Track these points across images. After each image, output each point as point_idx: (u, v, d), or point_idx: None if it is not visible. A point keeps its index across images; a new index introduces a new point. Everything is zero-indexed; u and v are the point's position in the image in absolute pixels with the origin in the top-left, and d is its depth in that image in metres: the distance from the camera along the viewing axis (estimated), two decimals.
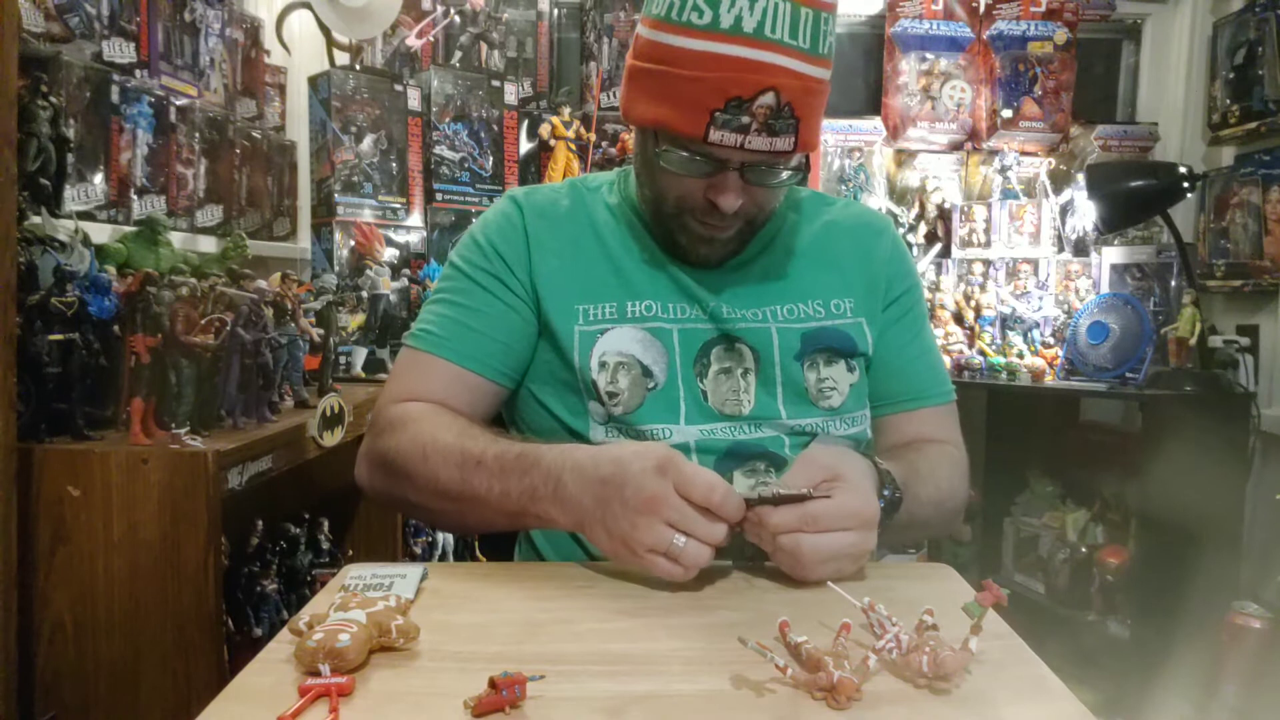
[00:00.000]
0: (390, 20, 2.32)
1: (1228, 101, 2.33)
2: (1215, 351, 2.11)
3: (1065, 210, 2.45)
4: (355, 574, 0.79)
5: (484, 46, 2.53)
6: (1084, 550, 2.19)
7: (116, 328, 1.20)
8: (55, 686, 1.11)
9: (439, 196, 2.36)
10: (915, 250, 2.53)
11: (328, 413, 1.39)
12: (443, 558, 1.96)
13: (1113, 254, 2.34)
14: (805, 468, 0.81)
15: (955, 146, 2.58)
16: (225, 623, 1.24)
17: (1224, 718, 1.76)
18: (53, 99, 1.27)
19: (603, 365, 0.97)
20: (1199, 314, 1.99)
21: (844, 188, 2.50)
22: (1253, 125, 2.23)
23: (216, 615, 1.14)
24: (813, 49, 0.85)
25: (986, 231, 2.44)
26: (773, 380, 0.99)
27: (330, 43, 2.34)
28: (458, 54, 2.51)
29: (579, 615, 0.73)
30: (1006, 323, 2.34)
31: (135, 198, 1.58)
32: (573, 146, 2.49)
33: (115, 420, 1.21)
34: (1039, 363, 2.20)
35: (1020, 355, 2.25)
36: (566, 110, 2.51)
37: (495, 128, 2.44)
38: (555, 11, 2.67)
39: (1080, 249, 2.43)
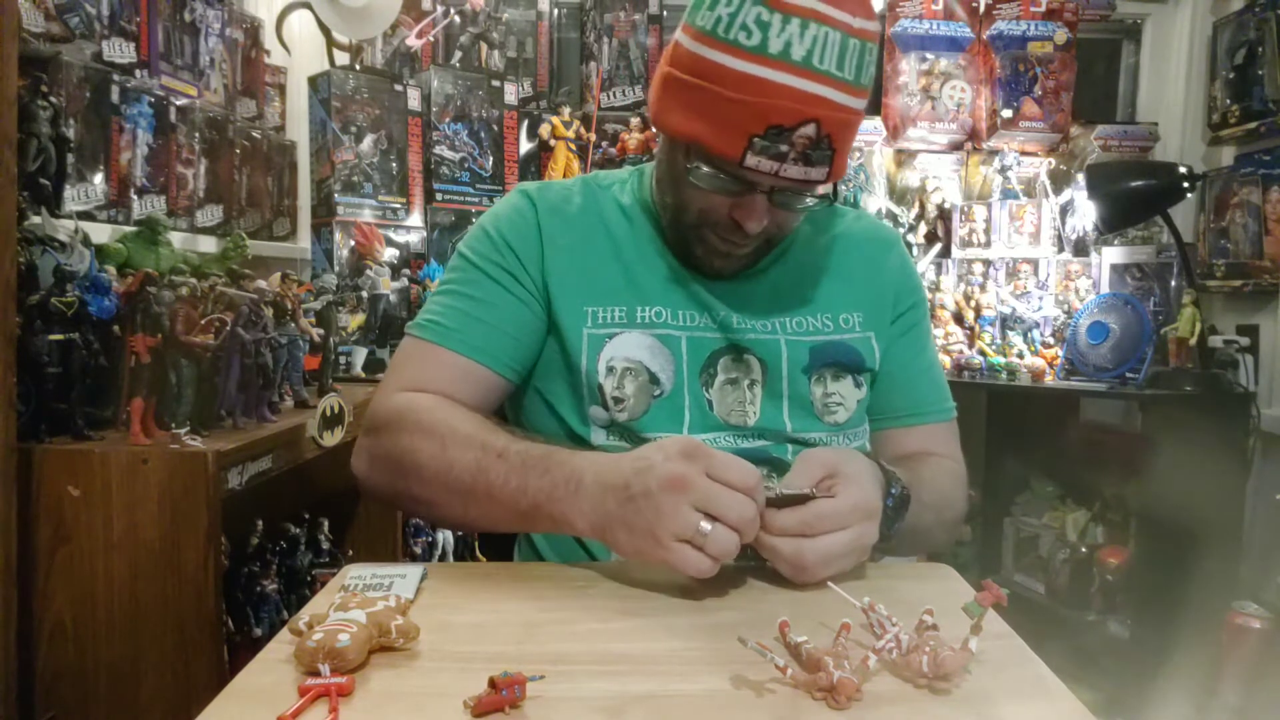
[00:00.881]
0: (390, 20, 2.32)
1: (1228, 101, 2.33)
2: (1215, 351, 2.11)
3: (1065, 210, 2.45)
4: (355, 574, 0.78)
5: (484, 46, 2.53)
6: (1084, 550, 2.19)
7: (116, 328, 1.20)
8: (55, 686, 1.11)
9: (439, 196, 2.36)
10: (915, 250, 2.53)
11: (328, 413, 1.39)
12: (443, 558, 1.96)
13: (1113, 254, 2.34)
14: (806, 466, 0.80)
15: (955, 146, 2.58)
16: (225, 623, 1.24)
17: (1224, 718, 1.76)
18: (53, 99, 1.27)
19: (610, 370, 0.96)
20: (1199, 314, 1.99)
21: (844, 188, 2.50)
22: (1253, 125, 2.24)
23: (216, 615, 1.14)
24: (855, 80, 0.84)
25: (986, 231, 2.44)
26: (779, 393, 0.99)
27: (330, 43, 2.34)
28: (458, 54, 2.51)
29: (579, 615, 0.73)
30: (1006, 323, 2.34)
31: (135, 198, 1.58)
32: (573, 146, 2.49)
33: (115, 420, 1.21)
34: (1039, 363, 2.20)
35: (1020, 355, 2.25)
36: (566, 110, 2.51)
37: (495, 128, 2.44)
38: (555, 11, 2.67)
39: (1080, 249, 2.43)
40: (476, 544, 1.97)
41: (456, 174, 2.39)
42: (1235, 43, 2.30)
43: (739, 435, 0.98)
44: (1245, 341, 2.16)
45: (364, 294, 1.93)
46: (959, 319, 2.41)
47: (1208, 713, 1.79)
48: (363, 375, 1.89)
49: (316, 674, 0.59)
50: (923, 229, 2.54)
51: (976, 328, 2.37)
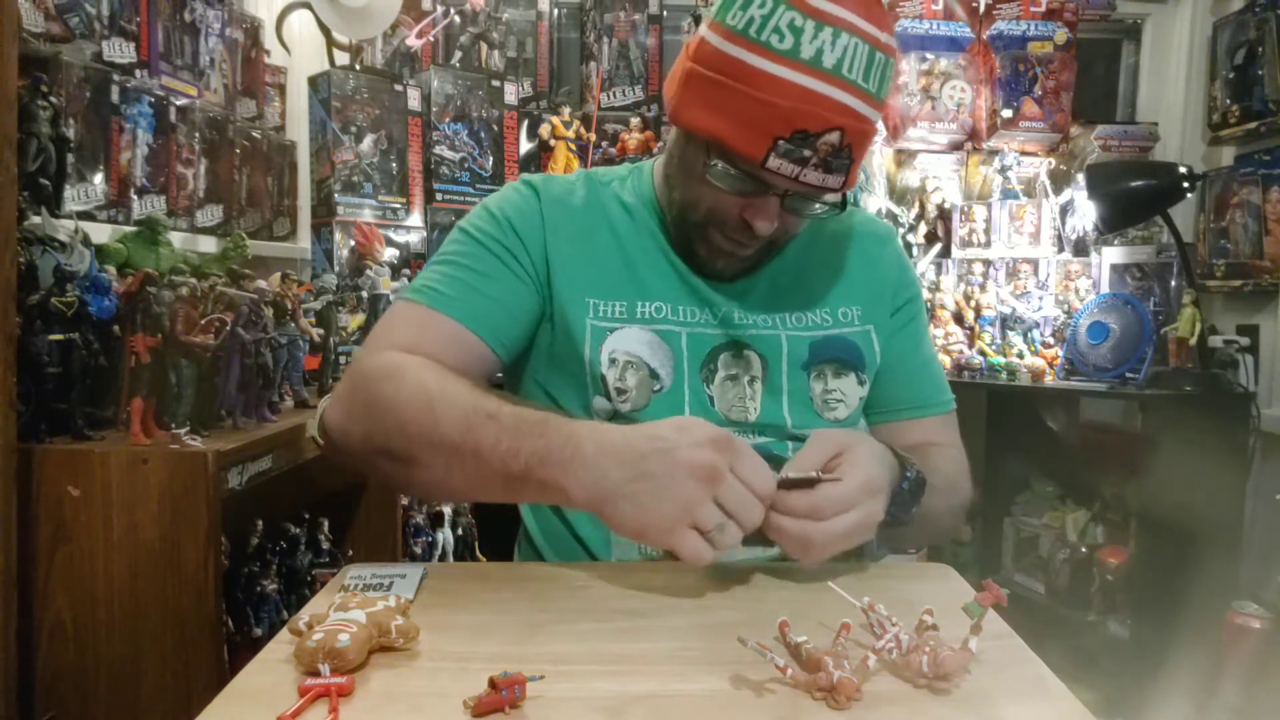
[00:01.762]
0: (390, 20, 2.32)
1: (1228, 101, 2.33)
2: (1215, 351, 2.11)
3: (1065, 210, 2.45)
4: (355, 574, 0.79)
5: (484, 46, 2.53)
6: (1084, 550, 2.19)
7: (116, 328, 1.20)
8: (55, 686, 1.11)
9: (439, 196, 2.36)
10: (915, 250, 2.53)
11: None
12: (443, 558, 1.96)
13: (1113, 254, 2.34)
14: (817, 445, 0.79)
15: (955, 146, 2.58)
16: (225, 623, 1.24)
17: (1224, 718, 1.76)
18: (53, 99, 1.27)
19: (612, 362, 0.96)
20: (1199, 314, 1.99)
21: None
22: (1253, 125, 2.23)
23: (216, 615, 1.14)
24: (878, 93, 0.85)
25: (986, 231, 2.44)
26: (779, 389, 0.99)
27: (330, 43, 2.34)
28: (458, 54, 2.51)
29: (579, 615, 0.73)
30: (1006, 323, 2.34)
31: (135, 198, 1.58)
32: (573, 146, 2.49)
33: (115, 420, 1.21)
34: (1039, 363, 2.20)
35: (1020, 355, 2.25)
36: (566, 110, 2.51)
37: (495, 128, 2.44)
38: (555, 11, 2.67)
39: (1080, 249, 2.42)
40: (476, 544, 1.98)
41: (456, 174, 2.39)
42: (1235, 43, 2.30)
43: (740, 431, 0.98)
44: (1245, 341, 2.15)
45: (364, 294, 1.93)
46: (959, 319, 2.41)
47: (1208, 713, 1.79)
48: None
49: (316, 674, 0.59)
50: (923, 229, 2.54)
51: (976, 328, 2.37)
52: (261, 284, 1.34)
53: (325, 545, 1.55)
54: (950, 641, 0.62)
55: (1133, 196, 2.08)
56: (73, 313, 1.14)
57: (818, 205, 0.92)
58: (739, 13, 0.85)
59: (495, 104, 2.44)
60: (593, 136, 2.50)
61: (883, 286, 1.06)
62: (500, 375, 1.05)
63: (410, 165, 2.29)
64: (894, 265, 1.08)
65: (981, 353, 2.30)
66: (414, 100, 2.30)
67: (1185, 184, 2.02)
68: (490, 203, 1.03)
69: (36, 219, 1.23)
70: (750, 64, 0.83)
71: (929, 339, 1.12)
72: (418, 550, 1.93)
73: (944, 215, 2.52)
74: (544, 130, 2.50)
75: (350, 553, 1.71)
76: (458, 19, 2.51)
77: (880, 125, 2.53)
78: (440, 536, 1.98)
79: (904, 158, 2.58)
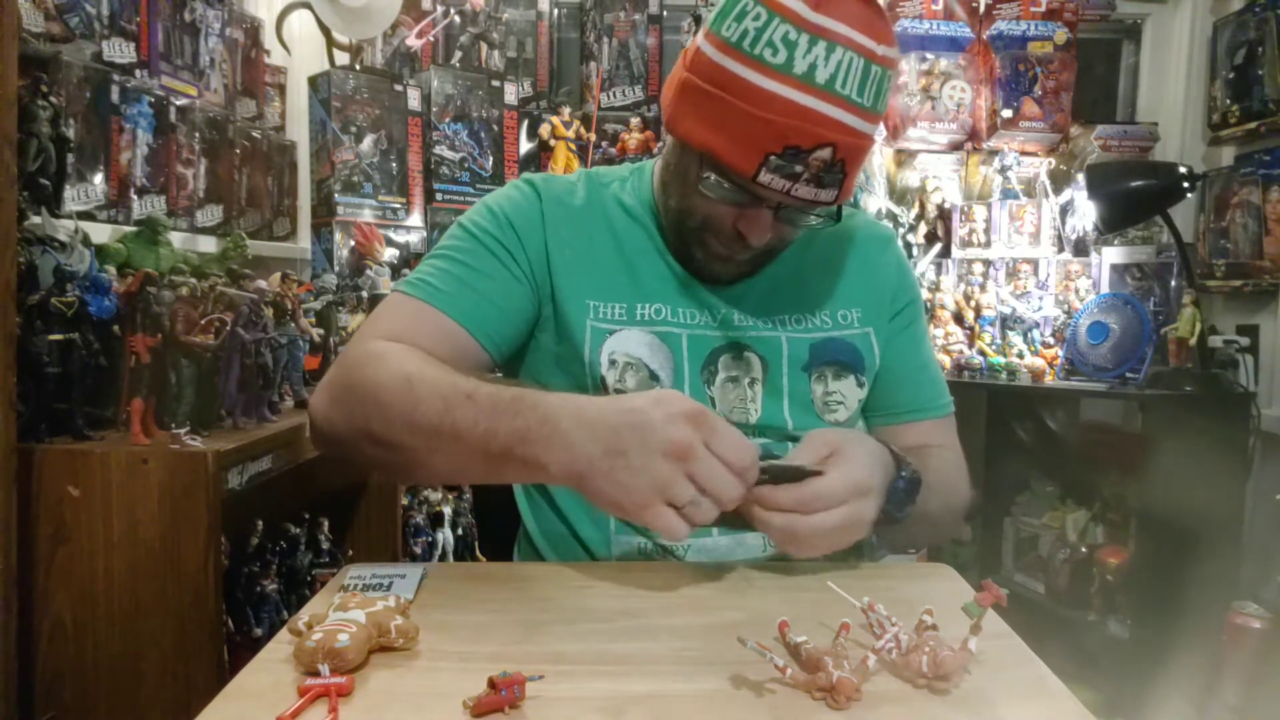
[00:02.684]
0: (390, 20, 2.32)
1: (1228, 101, 2.33)
2: (1215, 351, 2.11)
3: (1065, 210, 2.45)
4: (355, 574, 0.79)
5: (484, 46, 2.53)
6: (1084, 550, 2.19)
7: (116, 328, 1.20)
8: (55, 686, 1.11)
9: (439, 196, 2.36)
10: (915, 250, 2.53)
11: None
12: (443, 558, 1.96)
13: (1113, 254, 2.34)
14: (811, 444, 0.80)
15: (955, 146, 2.58)
16: (225, 623, 1.24)
17: (1224, 718, 1.76)
18: (53, 99, 1.27)
19: (612, 363, 0.96)
20: (1199, 314, 1.99)
21: None
22: (1253, 125, 2.23)
23: (216, 615, 1.14)
24: (873, 107, 0.85)
25: (986, 231, 2.44)
26: (779, 390, 0.99)
27: (330, 43, 2.34)
28: (458, 54, 2.51)
29: (579, 615, 0.73)
30: (1006, 323, 2.34)
31: (135, 198, 1.58)
32: (573, 146, 2.49)
33: (115, 420, 1.21)
34: (1039, 363, 2.20)
35: (1020, 355, 2.25)
36: (566, 110, 2.51)
37: (495, 128, 2.44)
38: (555, 11, 2.67)
39: (1080, 249, 2.42)
40: (476, 544, 1.98)
41: (456, 174, 2.39)
42: (1235, 43, 2.30)
43: (740, 430, 0.98)
44: (1245, 341, 2.15)
45: (364, 294, 1.93)
46: (959, 319, 2.41)
47: (1208, 713, 1.79)
48: None
49: (316, 674, 0.59)
50: (923, 229, 2.54)
51: (976, 328, 2.37)
52: (261, 284, 1.34)
53: (325, 545, 1.55)
54: (950, 641, 0.62)
55: (1133, 196, 2.08)
56: (73, 313, 1.14)
57: (812, 217, 0.92)
58: (733, 24, 0.84)
59: (495, 104, 2.44)
60: (593, 136, 2.50)
61: (883, 290, 1.06)
62: (498, 374, 1.05)
63: (410, 165, 2.29)
64: (894, 269, 1.08)
65: (981, 353, 2.30)
66: (414, 100, 2.30)
67: (1185, 184, 2.02)
68: (491, 200, 1.03)
69: (36, 219, 1.23)
70: (743, 78, 0.83)
71: (928, 342, 1.13)
72: (418, 550, 1.93)
73: (944, 215, 2.52)
74: (544, 130, 2.50)
75: (350, 553, 1.71)
76: (458, 19, 2.50)
77: (880, 125, 2.54)
78: (440, 536, 1.98)
79: (904, 158, 2.58)
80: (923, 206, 2.54)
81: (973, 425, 2.37)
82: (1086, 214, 2.36)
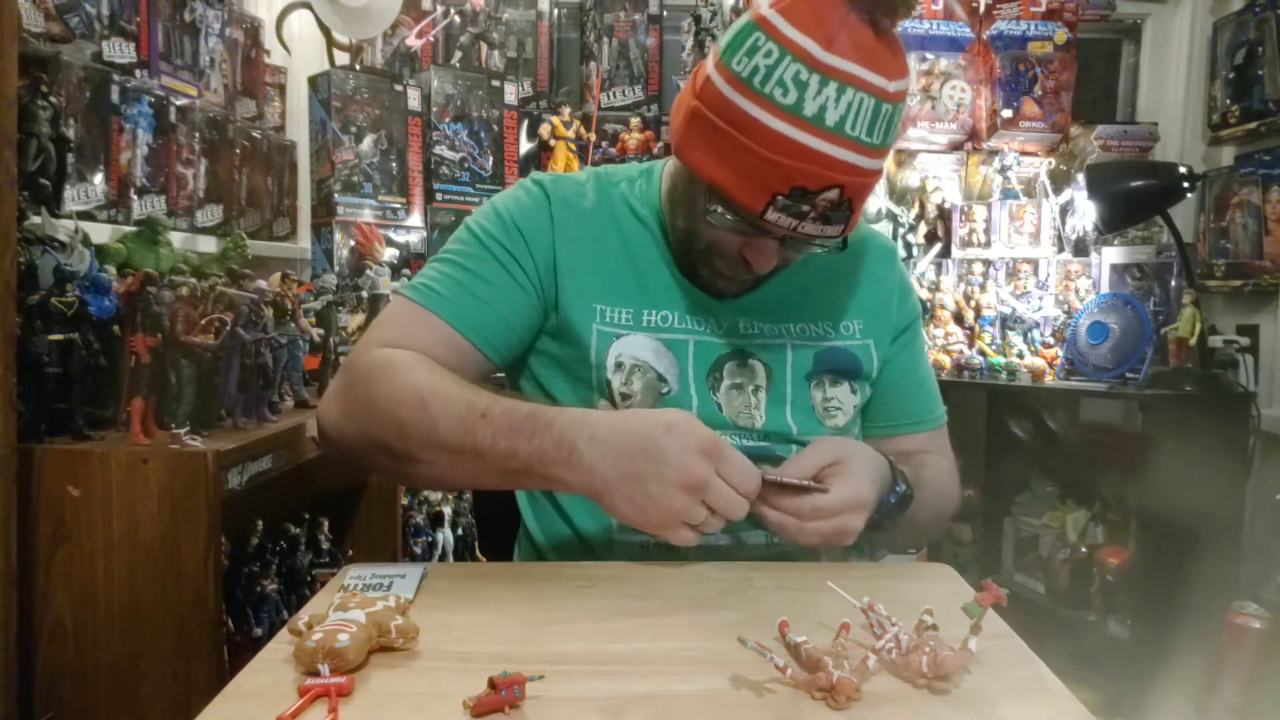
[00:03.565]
0: (390, 20, 2.32)
1: (1228, 101, 2.33)
2: (1215, 351, 2.11)
3: (1065, 210, 2.45)
4: (355, 574, 0.79)
5: (484, 46, 2.53)
6: (1084, 550, 2.18)
7: (116, 328, 1.20)
8: (55, 686, 1.11)
9: (439, 196, 2.36)
10: (915, 250, 2.53)
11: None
12: (443, 558, 1.96)
13: (1113, 254, 2.34)
14: (816, 452, 0.85)
15: (955, 146, 2.57)
16: (225, 623, 1.24)
17: (1224, 718, 1.76)
18: (53, 99, 1.27)
19: (619, 366, 0.97)
20: (1199, 314, 1.99)
21: None
22: (1253, 125, 2.23)
23: (216, 615, 1.14)
24: (882, 144, 0.84)
25: (986, 231, 2.44)
26: (783, 398, 1.00)
27: (330, 43, 2.34)
28: (458, 54, 2.51)
29: (579, 615, 0.73)
30: (1006, 323, 2.33)
31: (135, 198, 1.58)
32: (573, 146, 2.49)
33: (115, 420, 1.21)
34: (1039, 363, 2.20)
35: (1020, 355, 2.25)
36: (566, 110, 2.51)
37: (495, 128, 2.44)
38: (555, 11, 2.67)
39: (1080, 249, 2.42)
40: (476, 544, 1.98)
41: (456, 174, 2.39)
42: (1235, 43, 2.30)
43: (746, 436, 0.98)
44: (1245, 341, 2.15)
45: (364, 294, 1.93)
46: (959, 319, 2.41)
47: (1208, 713, 1.79)
48: None
49: (316, 674, 0.59)
50: (923, 229, 2.54)
51: (976, 328, 2.37)
52: (261, 284, 1.34)
53: (325, 545, 1.55)
54: (950, 641, 0.62)
55: (1133, 196, 2.07)
56: (73, 313, 1.14)
57: (817, 245, 0.92)
58: (745, 59, 0.83)
59: (495, 104, 2.44)
60: (593, 136, 2.50)
61: (886, 305, 1.08)
62: (501, 374, 1.06)
63: (410, 165, 2.29)
64: (897, 286, 1.10)
65: (981, 353, 2.30)
66: (414, 100, 2.30)
67: (1185, 184, 2.02)
68: (499, 203, 1.03)
69: (36, 219, 1.23)
70: (752, 116, 0.82)
71: (926, 357, 1.15)
72: (418, 550, 1.93)
73: (944, 215, 2.52)
74: (544, 130, 2.50)
75: (350, 553, 1.71)
76: (458, 19, 2.50)
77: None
78: (440, 536, 1.98)
79: (904, 158, 2.58)
80: (923, 206, 2.54)
81: (973, 425, 2.37)
82: (1086, 214, 2.36)
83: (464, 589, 0.79)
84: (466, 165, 2.40)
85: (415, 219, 2.30)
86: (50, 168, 1.25)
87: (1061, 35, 2.46)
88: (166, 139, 1.66)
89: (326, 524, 1.57)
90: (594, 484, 0.78)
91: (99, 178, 1.48)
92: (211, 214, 1.83)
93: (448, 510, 2.00)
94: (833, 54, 0.80)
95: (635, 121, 2.53)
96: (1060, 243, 2.44)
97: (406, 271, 2.11)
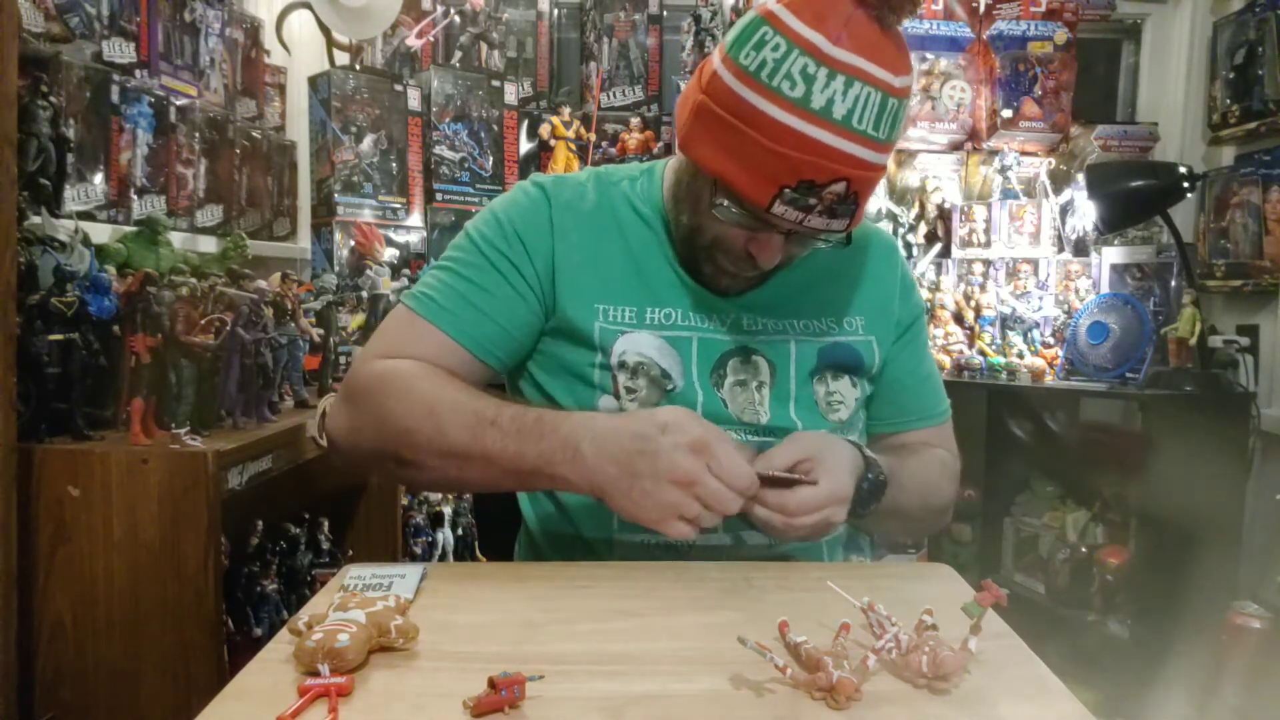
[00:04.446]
0: (390, 20, 2.32)
1: (1228, 101, 2.33)
2: (1215, 351, 2.11)
3: (1065, 210, 2.45)
4: (355, 574, 0.79)
5: (484, 46, 2.53)
6: (1084, 550, 2.18)
7: (116, 328, 1.20)
8: (55, 686, 1.11)
9: (439, 196, 2.36)
10: (915, 250, 2.53)
11: (327, 413, 1.39)
12: (443, 558, 1.96)
13: (1113, 254, 2.33)
14: (791, 447, 0.86)
15: (955, 146, 2.57)
16: (225, 623, 1.24)
17: (1224, 718, 1.76)
18: (53, 99, 1.27)
19: (622, 364, 0.97)
20: (1199, 314, 1.99)
21: None
22: (1253, 125, 2.23)
23: (216, 615, 1.14)
24: (888, 138, 0.84)
25: (986, 231, 2.44)
26: (787, 393, 1.00)
27: (330, 43, 2.34)
28: (458, 54, 2.51)
29: (579, 615, 0.73)
30: (1006, 323, 2.33)
31: (135, 198, 1.58)
32: (573, 146, 2.49)
33: (115, 420, 1.21)
34: (1039, 363, 2.20)
35: (1020, 355, 2.25)
36: (566, 110, 2.51)
37: (495, 128, 2.44)
38: (555, 11, 2.67)
39: (1080, 249, 2.42)
40: (476, 544, 1.98)
41: (456, 174, 2.39)
42: (1235, 43, 2.30)
43: (751, 431, 0.99)
44: (1245, 341, 2.15)
45: (364, 294, 1.93)
46: (959, 319, 2.41)
47: (1208, 713, 1.79)
48: None
49: (316, 674, 0.59)
50: (923, 229, 2.54)
51: (976, 328, 2.37)
52: (261, 284, 1.34)
53: (325, 545, 1.55)
54: (950, 641, 0.62)
55: (1133, 196, 2.07)
56: (73, 313, 1.14)
57: (822, 240, 0.92)
58: (752, 53, 0.83)
59: (495, 104, 2.44)
60: (593, 136, 2.50)
61: (888, 302, 1.08)
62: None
63: (410, 165, 2.29)
64: (899, 283, 1.10)
65: (981, 353, 2.30)
66: (414, 100, 2.30)
67: (1185, 184, 2.02)
68: (499, 207, 1.03)
69: (36, 219, 1.23)
70: (760, 109, 0.82)
71: (929, 353, 1.15)
72: (418, 550, 1.93)
73: (944, 215, 2.52)
74: (544, 130, 2.50)
75: (350, 553, 1.71)
76: (458, 19, 2.50)
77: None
78: (440, 536, 1.98)
79: (904, 158, 2.58)
80: (923, 206, 2.54)
81: (973, 425, 2.37)
82: (1086, 214, 2.36)
83: (464, 589, 0.79)
84: (466, 165, 2.40)
85: (415, 219, 2.30)
86: (50, 168, 1.25)
87: (1061, 35, 2.46)
88: (166, 139, 1.66)
89: (326, 524, 1.57)
90: (596, 482, 0.81)
91: (99, 178, 1.48)
92: (211, 214, 1.83)
93: (448, 510, 2.00)
94: (840, 48, 0.80)
95: (635, 121, 2.53)
96: (1060, 243, 2.44)
97: (406, 271, 2.11)
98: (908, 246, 2.52)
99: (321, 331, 1.51)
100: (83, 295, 1.15)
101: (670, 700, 0.58)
